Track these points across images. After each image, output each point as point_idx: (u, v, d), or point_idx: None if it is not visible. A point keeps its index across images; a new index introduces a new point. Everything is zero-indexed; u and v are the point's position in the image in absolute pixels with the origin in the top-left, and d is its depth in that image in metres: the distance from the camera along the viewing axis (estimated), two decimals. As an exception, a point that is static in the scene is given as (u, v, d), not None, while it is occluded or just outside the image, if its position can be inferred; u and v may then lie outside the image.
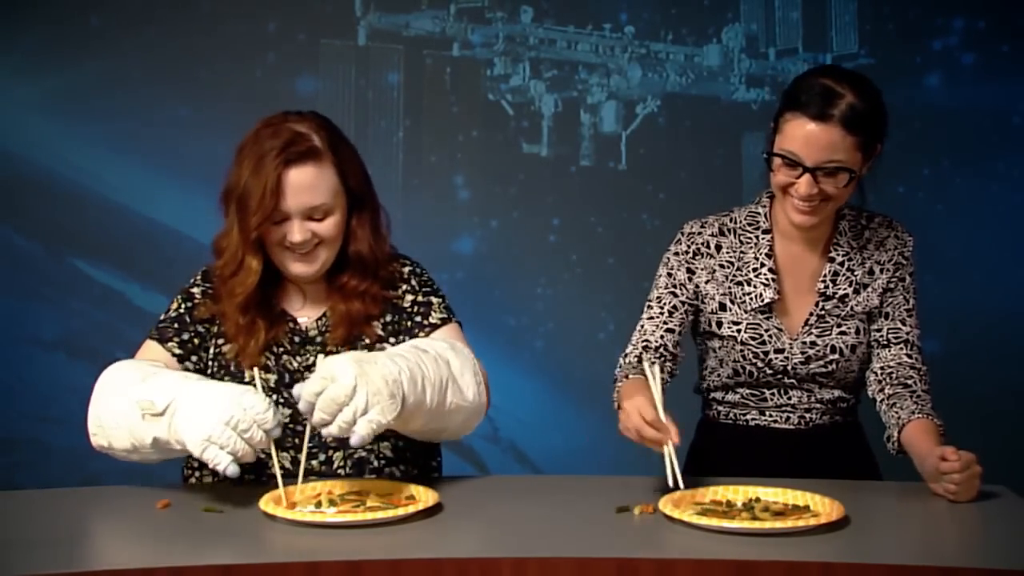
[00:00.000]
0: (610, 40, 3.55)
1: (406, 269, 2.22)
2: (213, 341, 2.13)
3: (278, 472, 1.87)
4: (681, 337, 2.23)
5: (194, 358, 2.10)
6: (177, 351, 2.09)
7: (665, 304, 2.23)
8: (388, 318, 2.17)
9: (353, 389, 1.79)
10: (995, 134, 3.53)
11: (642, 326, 2.23)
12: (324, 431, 1.82)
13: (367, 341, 2.13)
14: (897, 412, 2.08)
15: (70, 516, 1.81)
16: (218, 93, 3.38)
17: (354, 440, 1.79)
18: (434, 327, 2.16)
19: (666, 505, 1.79)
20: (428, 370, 1.92)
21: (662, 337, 2.20)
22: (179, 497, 1.92)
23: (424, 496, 1.86)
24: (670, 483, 1.85)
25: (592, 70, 3.55)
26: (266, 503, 1.81)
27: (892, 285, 2.21)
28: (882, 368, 2.18)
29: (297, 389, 1.83)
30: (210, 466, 1.79)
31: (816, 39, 3.55)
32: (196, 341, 2.11)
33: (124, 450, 1.92)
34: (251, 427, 1.79)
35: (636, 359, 2.18)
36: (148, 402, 1.84)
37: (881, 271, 2.21)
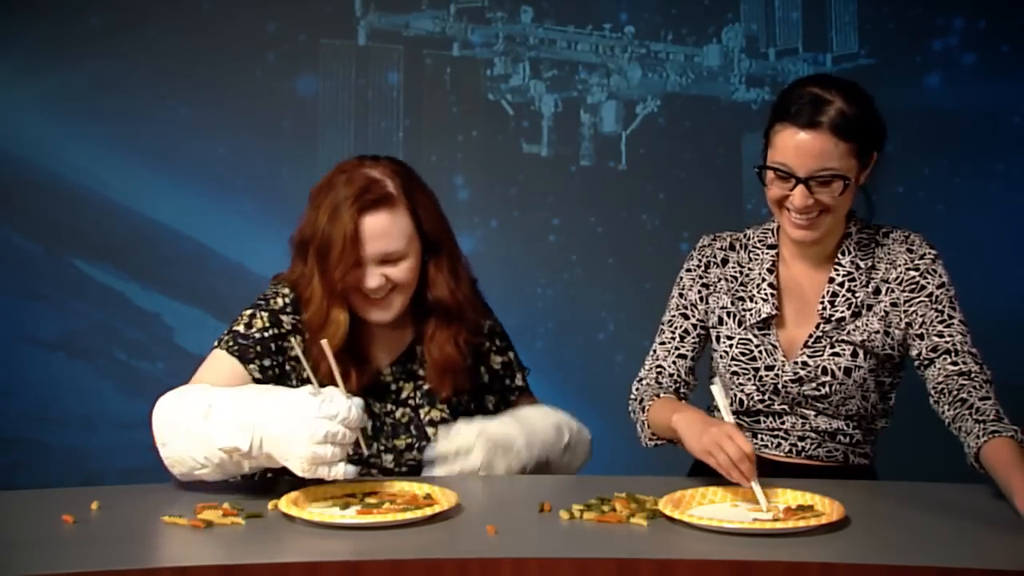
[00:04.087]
0: (610, 40, 3.55)
1: (487, 323, 2.27)
2: (299, 381, 2.08)
3: (363, 446, 1.94)
4: (695, 363, 2.20)
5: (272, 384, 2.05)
6: (257, 375, 2.05)
7: (677, 328, 2.21)
8: (485, 378, 2.25)
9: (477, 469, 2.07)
10: (995, 134, 3.53)
11: (655, 351, 2.22)
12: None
13: (464, 397, 2.21)
14: (965, 439, 1.92)
15: (70, 516, 1.80)
16: (218, 93, 3.38)
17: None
18: (520, 390, 2.29)
19: (666, 505, 1.80)
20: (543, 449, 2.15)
21: (674, 363, 2.19)
22: (178, 496, 1.92)
23: (443, 497, 1.85)
24: (765, 509, 1.83)
25: (592, 70, 3.55)
26: (287, 505, 1.80)
27: (908, 302, 2.11)
28: (934, 389, 2.04)
29: (429, 452, 2.11)
30: (327, 478, 1.83)
31: (816, 39, 3.55)
32: (278, 371, 2.08)
33: (215, 478, 1.94)
34: (342, 431, 1.81)
35: (654, 381, 2.18)
36: (232, 448, 1.86)
37: (887, 291, 2.13)
